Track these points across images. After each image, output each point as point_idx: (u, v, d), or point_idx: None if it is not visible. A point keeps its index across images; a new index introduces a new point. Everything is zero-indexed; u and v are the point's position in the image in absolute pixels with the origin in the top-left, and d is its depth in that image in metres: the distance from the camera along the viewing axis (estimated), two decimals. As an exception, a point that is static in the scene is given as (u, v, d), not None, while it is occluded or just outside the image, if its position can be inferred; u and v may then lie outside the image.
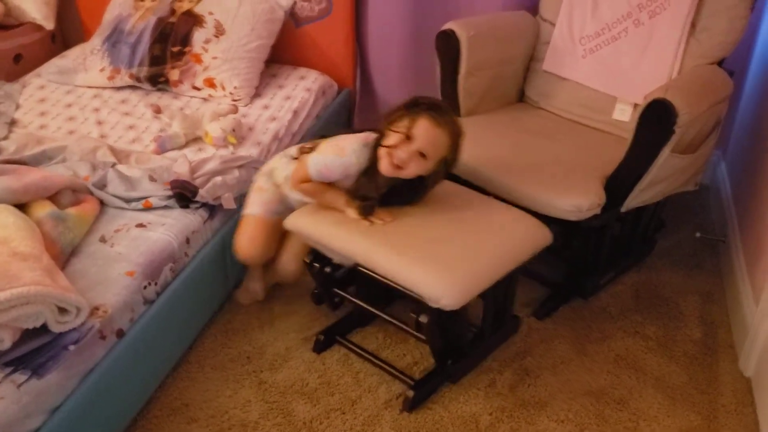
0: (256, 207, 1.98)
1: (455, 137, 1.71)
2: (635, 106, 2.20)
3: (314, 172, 1.78)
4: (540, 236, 1.82)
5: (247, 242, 1.97)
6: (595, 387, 1.90)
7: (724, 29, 2.07)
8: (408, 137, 1.65)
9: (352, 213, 1.77)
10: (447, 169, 1.76)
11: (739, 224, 2.33)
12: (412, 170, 1.69)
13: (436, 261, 1.66)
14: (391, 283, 1.79)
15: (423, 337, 1.77)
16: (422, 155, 1.67)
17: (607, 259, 2.21)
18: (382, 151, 1.69)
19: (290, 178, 1.87)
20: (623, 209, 1.99)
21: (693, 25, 2.11)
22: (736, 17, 2.04)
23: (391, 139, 1.67)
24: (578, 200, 1.87)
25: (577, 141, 2.20)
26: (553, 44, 2.36)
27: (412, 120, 1.65)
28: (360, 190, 1.77)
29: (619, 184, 1.95)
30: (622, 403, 1.86)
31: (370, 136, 1.75)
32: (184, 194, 1.93)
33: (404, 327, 1.82)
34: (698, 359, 2.00)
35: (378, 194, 1.77)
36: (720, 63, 2.12)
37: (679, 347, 2.04)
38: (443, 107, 1.71)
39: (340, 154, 1.74)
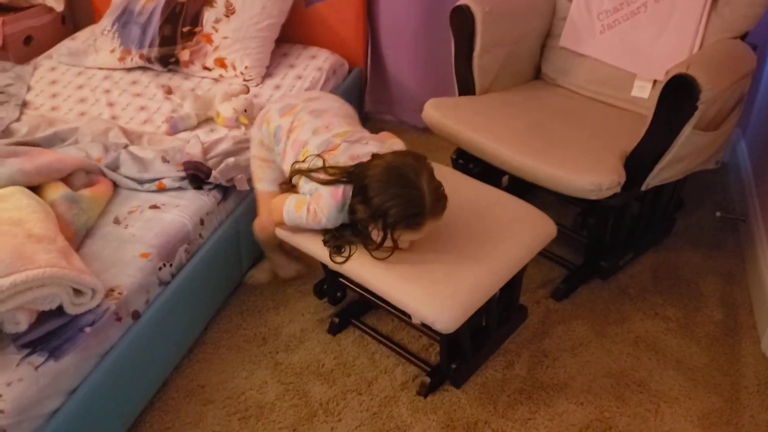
0: (267, 183, 1.88)
1: (438, 209, 1.55)
2: (655, 82, 2.15)
3: (289, 223, 1.70)
4: (544, 232, 1.76)
5: (271, 219, 1.86)
6: (614, 369, 1.88)
7: (747, 2, 2.00)
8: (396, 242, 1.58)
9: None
10: None
11: (759, 203, 2.28)
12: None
13: (430, 280, 1.57)
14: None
15: (436, 337, 1.75)
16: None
17: (625, 239, 2.18)
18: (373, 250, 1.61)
19: (270, 213, 1.79)
20: (643, 188, 1.95)
21: (715, -1, 2.06)
22: (760, -10, 1.99)
23: (382, 246, 1.58)
24: (598, 179, 1.83)
25: (595, 119, 2.16)
26: (570, 20, 2.31)
27: (393, 235, 1.54)
28: (336, 243, 1.67)
29: (639, 162, 1.91)
30: (642, 385, 1.83)
31: (346, 193, 1.58)
32: (197, 176, 1.91)
33: (412, 323, 1.80)
34: (719, 340, 1.97)
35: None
36: (743, 37, 2.07)
37: (699, 328, 2.01)
38: (416, 201, 1.51)
39: (315, 220, 1.63)
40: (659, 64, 2.10)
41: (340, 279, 1.94)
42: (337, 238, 1.65)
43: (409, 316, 1.71)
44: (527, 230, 1.75)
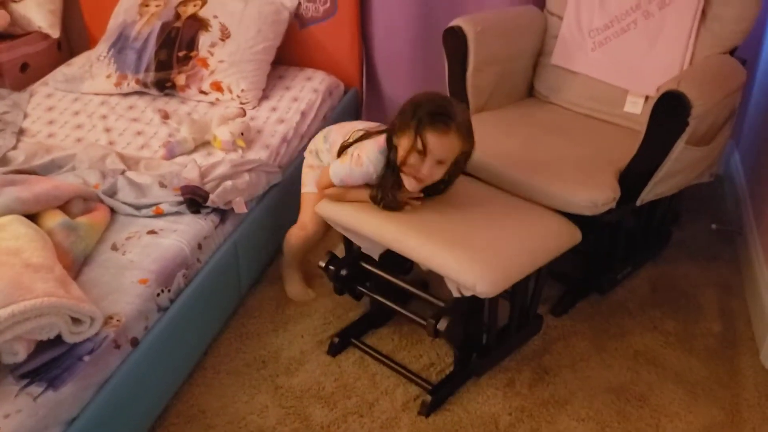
0: (312, 186, 2.03)
1: (465, 132, 1.69)
2: (647, 98, 2.17)
3: (337, 181, 1.83)
4: (570, 234, 1.81)
5: (311, 218, 2.02)
6: (615, 384, 1.88)
7: (736, 17, 2.03)
8: (422, 153, 1.67)
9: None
10: (466, 159, 1.77)
11: (754, 214, 2.29)
12: (434, 178, 1.73)
13: (471, 248, 1.66)
14: (406, 287, 1.78)
15: (443, 337, 1.75)
16: (440, 162, 1.69)
17: (623, 254, 2.19)
18: (404, 174, 1.72)
19: (316, 185, 1.95)
20: (638, 203, 1.96)
21: (704, 14, 2.07)
22: (747, 5, 2.01)
23: (408, 158, 1.69)
24: (593, 195, 1.84)
25: (589, 135, 2.17)
26: (561, 38, 2.33)
27: (419, 136, 1.65)
28: (383, 192, 1.78)
29: (633, 177, 1.92)
30: (642, 400, 1.83)
31: (383, 139, 1.77)
32: (195, 200, 1.92)
33: (424, 324, 1.81)
34: (718, 353, 1.97)
35: (402, 192, 1.79)
36: (732, 52, 2.09)
37: (698, 341, 2.02)
38: (444, 106, 1.68)
39: (358, 164, 1.77)
40: (651, 79, 2.12)
41: (359, 288, 1.97)
42: (382, 186, 1.77)
43: (424, 319, 1.75)
44: (556, 227, 1.81)
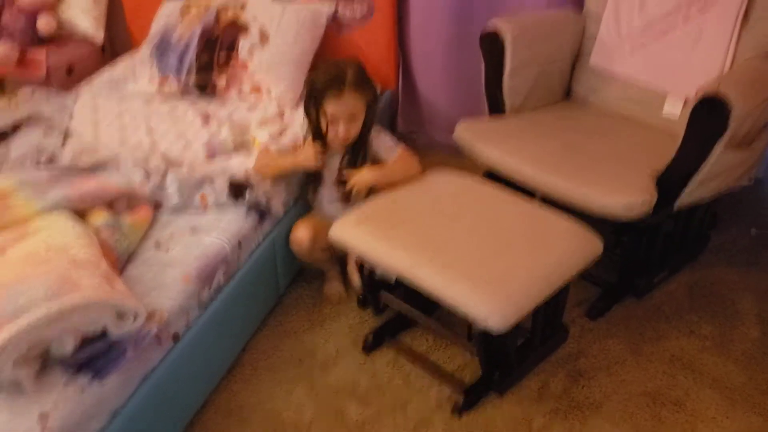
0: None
1: (360, 86, 1.91)
2: (686, 100, 2.15)
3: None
4: (591, 247, 1.77)
5: (298, 235, 2.08)
6: (650, 388, 1.87)
7: (779, 19, 2.01)
8: (332, 121, 1.93)
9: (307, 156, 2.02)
10: (376, 103, 2.00)
11: (797, 219, 2.26)
12: (356, 131, 1.98)
13: (483, 278, 1.61)
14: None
15: (473, 347, 1.76)
16: (351, 119, 1.94)
17: (660, 257, 2.17)
18: (330, 137, 1.98)
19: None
20: (676, 207, 1.94)
21: (746, 17, 2.05)
22: (791, 7, 1.99)
23: (326, 130, 1.96)
24: (630, 199, 1.83)
25: (626, 137, 2.16)
26: (599, 39, 2.32)
27: (323, 110, 1.92)
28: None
29: (671, 181, 1.91)
30: (678, 404, 1.82)
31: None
32: (239, 186, 1.99)
33: (451, 336, 1.82)
34: (757, 359, 1.95)
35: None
36: (775, 54, 2.07)
37: (736, 346, 1.99)
38: (334, 73, 1.91)
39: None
40: (690, 82, 2.10)
41: (381, 293, 1.98)
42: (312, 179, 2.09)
43: (453, 327, 1.73)
44: (575, 243, 1.77)
